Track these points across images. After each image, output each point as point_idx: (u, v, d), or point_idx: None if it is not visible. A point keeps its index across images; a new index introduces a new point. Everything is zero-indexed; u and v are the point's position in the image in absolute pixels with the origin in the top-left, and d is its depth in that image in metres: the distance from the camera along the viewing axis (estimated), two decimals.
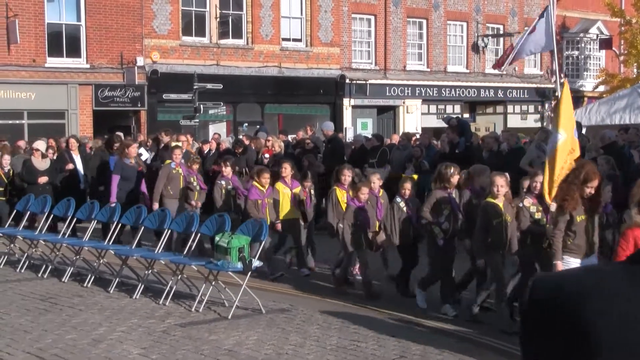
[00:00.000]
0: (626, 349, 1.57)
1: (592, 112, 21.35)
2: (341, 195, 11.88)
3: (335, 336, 8.68)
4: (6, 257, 13.39)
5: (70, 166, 17.35)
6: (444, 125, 19.50)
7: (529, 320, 1.70)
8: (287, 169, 12.88)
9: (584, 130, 18.21)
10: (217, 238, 10.20)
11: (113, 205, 13.72)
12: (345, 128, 31.85)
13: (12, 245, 13.51)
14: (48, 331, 8.93)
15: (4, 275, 12.46)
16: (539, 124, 36.64)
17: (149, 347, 8.24)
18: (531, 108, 39.35)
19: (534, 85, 38.70)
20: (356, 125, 33.55)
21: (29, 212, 14.15)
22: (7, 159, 17.38)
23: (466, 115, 35.39)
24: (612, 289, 1.63)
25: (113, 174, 15.35)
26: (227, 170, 13.99)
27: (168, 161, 14.83)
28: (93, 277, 11.63)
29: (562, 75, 34.67)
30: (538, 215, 9.28)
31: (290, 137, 22.60)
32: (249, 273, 10.00)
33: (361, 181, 12.31)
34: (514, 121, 37.86)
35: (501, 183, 9.38)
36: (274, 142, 19.67)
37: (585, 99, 38.85)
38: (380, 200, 11.70)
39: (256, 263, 10.16)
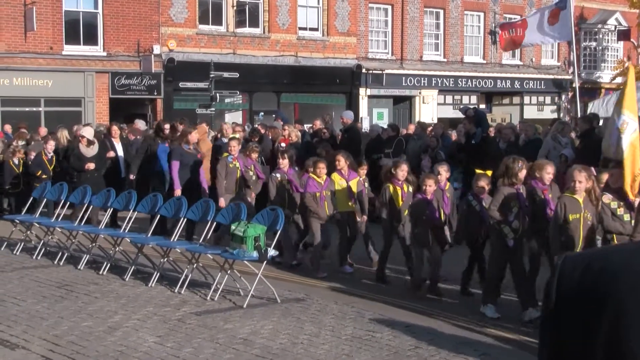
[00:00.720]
0: None
1: (610, 103, 21.24)
2: (395, 191, 11.15)
3: (350, 326, 8.68)
4: (23, 244, 13.45)
5: (111, 154, 16.70)
6: (460, 115, 19.42)
7: (556, 300, 1.66)
8: (340, 161, 12.25)
9: (601, 122, 18.09)
10: (233, 227, 10.19)
11: (178, 195, 12.96)
12: (361, 118, 31.77)
13: (28, 232, 13.56)
14: (64, 318, 8.96)
15: (20, 262, 12.52)
16: (555, 115, 36.43)
17: (164, 335, 8.26)
18: (548, 99, 39.15)
19: (551, 77, 38.48)
20: (372, 115, 33.48)
21: (45, 200, 14.22)
22: (51, 144, 17.29)
23: (482, 106, 35.24)
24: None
25: (172, 161, 14.52)
26: (284, 163, 12.93)
27: (225, 154, 13.95)
28: (109, 265, 11.66)
29: (579, 67, 34.50)
30: (620, 212, 8.88)
31: (306, 127, 22.54)
32: (265, 262, 10.00)
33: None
34: (531, 112, 37.68)
35: (580, 178, 8.79)
36: (290, 131, 19.63)
37: (603, 90, 38.64)
38: (447, 195, 10.90)
39: (272, 252, 10.15)
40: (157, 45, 28.33)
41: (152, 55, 28.00)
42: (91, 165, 15.62)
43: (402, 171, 11.19)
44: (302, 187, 12.28)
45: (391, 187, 11.14)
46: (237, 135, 15.18)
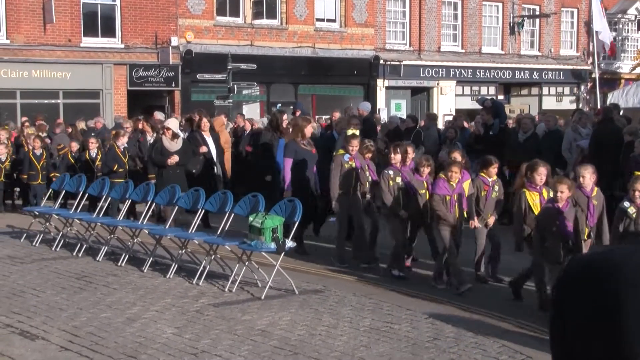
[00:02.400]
0: None
1: (630, 94, 21.12)
2: (532, 199, 9.73)
3: (368, 317, 8.66)
4: (42, 235, 13.51)
5: (203, 149, 15.50)
6: (478, 106, 19.32)
7: (561, 299, 1.69)
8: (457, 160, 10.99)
9: (621, 112, 17.96)
10: (250, 218, 10.18)
11: (289, 197, 11.35)
12: (379, 109, 31.71)
13: (47, 223, 13.62)
14: (83, 309, 8.99)
15: (40, 254, 12.58)
16: (574, 106, 36.23)
17: (183, 326, 8.27)
18: (567, 90, 38.91)
19: (570, 67, 38.23)
20: (390, 107, 33.42)
21: (64, 191, 14.27)
22: (124, 138, 16.52)
23: (501, 97, 35.08)
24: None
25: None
26: (397, 158, 11.15)
27: (341, 151, 12.05)
28: (127, 257, 11.69)
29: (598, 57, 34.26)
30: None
31: (324, 118, 22.46)
32: (282, 253, 9.99)
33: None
34: (549, 103, 37.49)
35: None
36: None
37: (622, 80, 38.37)
38: (593, 202, 9.45)
39: (289, 244, 10.13)
40: (175, 37, 28.37)
41: (170, 47, 28.06)
42: (174, 159, 14.26)
43: (540, 175, 9.74)
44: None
45: (528, 194, 9.74)
46: (357, 132, 12.90)
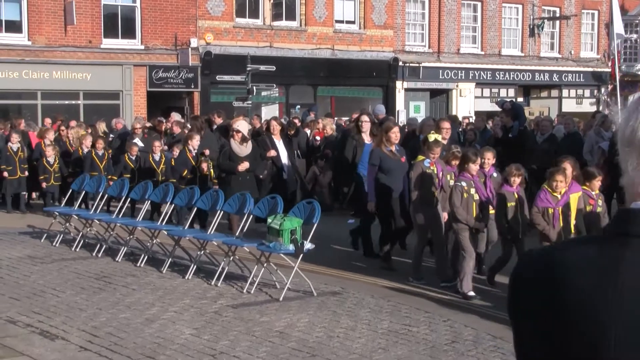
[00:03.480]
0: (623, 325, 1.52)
1: None
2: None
3: (386, 320, 8.65)
4: (62, 235, 13.59)
5: (272, 153, 14.43)
6: (497, 108, 19.25)
7: (515, 295, 1.69)
8: (567, 169, 9.73)
9: None
10: (269, 220, 10.20)
11: (371, 209, 11.13)
12: (398, 111, 31.68)
13: (67, 224, 13.70)
14: (102, 310, 9.04)
15: (59, 254, 12.65)
16: (594, 109, 36.03)
17: (201, 327, 8.30)
18: (587, 92, 38.71)
19: (590, 69, 38.04)
20: (409, 108, 33.36)
21: (84, 192, 14.34)
22: (196, 140, 15.32)
23: (520, 99, 34.97)
24: (599, 262, 1.58)
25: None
26: (473, 168, 10.11)
27: (421, 157, 10.85)
28: (146, 257, 11.74)
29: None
30: None
31: (343, 120, 22.43)
32: (301, 255, 10.00)
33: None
34: (569, 105, 37.31)
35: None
36: (325, 125, 19.59)
37: None
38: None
39: (308, 245, 10.14)
40: (195, 38, 28.47)
41: (190, 49, 28.17)
42: (245, 166, 13.31)
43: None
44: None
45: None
46: (439, 137, 11.29)
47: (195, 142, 15.22)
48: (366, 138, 13.24)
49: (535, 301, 1.61)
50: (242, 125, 14.16)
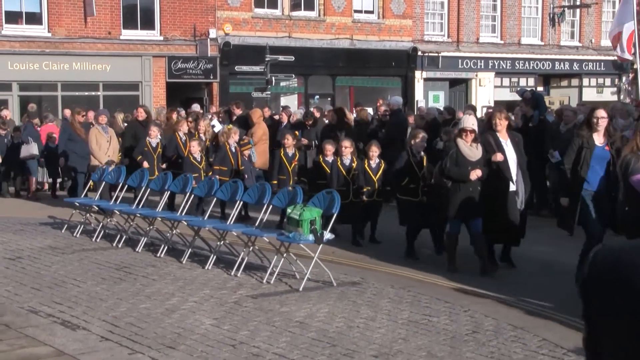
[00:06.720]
0: None
1: None
2: None
3: (406, 310, 8.63)
4: (82, 226, 13.65)
5: (499, 157, 10.58)
6: (518, 98, 19.14)
7: (590, 294, 1.69)
8: None
9: None
10: (288, 210, 10.20)
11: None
12: (417, 101, 31.59)
13: (88, 215, 13.76)
14: (122, 300, 9.07)
15: (80, 245, 12.71)
16: (615, 97, 35.77)
17: (221, 317, 8.31)
18: (607, 81, 38.43)
19: (611, 58, 37.68)
20: (428, 98, 33.27)
21: (104, 183, 14.40)
22: (235, 136, 14.81)
23: (540, 89, 34.74)
24: None
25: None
26: None
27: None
28: (166, 248, 11.77)
29: None
30: None
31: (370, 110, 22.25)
32: (320, 245, 9.99)
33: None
34: (590, 94, 37.04)
35: None
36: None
37: None
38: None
39: (327, 235, 10.12)
40: (213, 29, 28.50)
41: (208, 39, 28.20)
42: (477, 173, 10.48)
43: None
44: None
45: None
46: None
47: (235, 136, 15.09)
48: (598, 139, 9.88)
49: (610, 302, 1.61)
50: (470, 120, 11.02)
